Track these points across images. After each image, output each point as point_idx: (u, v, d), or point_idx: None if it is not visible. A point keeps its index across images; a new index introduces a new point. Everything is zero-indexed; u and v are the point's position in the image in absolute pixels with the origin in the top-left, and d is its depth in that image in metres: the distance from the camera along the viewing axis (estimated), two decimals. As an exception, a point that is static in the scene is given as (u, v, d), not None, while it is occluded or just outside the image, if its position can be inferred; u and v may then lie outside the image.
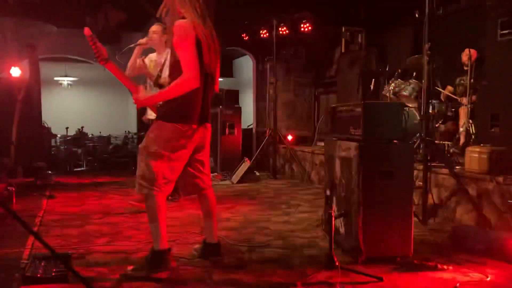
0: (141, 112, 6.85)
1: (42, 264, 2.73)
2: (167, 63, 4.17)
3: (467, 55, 5.15)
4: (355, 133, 3.13)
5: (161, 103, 2.81)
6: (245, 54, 10.04)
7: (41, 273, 2.61)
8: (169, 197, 4.34)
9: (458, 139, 5.12)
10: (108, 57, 2.69)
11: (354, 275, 2.75)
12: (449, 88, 5.75)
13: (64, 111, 12.31)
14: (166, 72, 3.54)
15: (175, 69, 2.68)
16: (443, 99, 5.78)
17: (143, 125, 6.42)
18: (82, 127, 10.45)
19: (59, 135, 10.09)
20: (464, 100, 5.14)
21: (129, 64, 4.49)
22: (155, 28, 4.92)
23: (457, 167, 4.36)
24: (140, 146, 2.78)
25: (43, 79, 8.29)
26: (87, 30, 2.62)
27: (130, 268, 2.79)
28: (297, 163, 7.24)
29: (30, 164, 6.60)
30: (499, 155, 3.91)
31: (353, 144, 3.05)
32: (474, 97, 5.04)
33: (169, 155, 2.71)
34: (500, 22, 4.37)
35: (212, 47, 2.73)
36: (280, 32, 7.70)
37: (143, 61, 4.48)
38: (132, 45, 4.34)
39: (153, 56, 4.82)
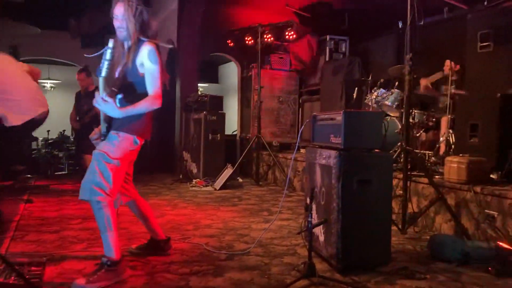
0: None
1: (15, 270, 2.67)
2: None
3: (448, 66, 5.23)
4: (336, 141, 3.14)
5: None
6: (230, 61, 10.05)
7: (14, 279, 2.55)
8: None
9: (439, 149, 5.18)
10: None
11: (333, 283, 2.75)
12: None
13: (46, 114, 12.12)
14: None
15: (128, 89, 2.85)
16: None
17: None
18: (64, 131, 10.34)
19: (40, 138, 9.96)
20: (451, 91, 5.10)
21: None
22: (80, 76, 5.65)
23: (436, 176, 4.41)
24: (96, 151, 2.81)
25: (24, 81, 8.14)
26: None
27: (80, 282, 2.61)
28: (280, 170, 7.24)
29: (9, 167, 6.48)
30: (477, 165, 3.96)
31: (333, 152, 3.06)
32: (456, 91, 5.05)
33: (123, 164, 2.86)
34: (479, 34, 4.46)
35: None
36: (265, 40, 7.73)
37: None
38: None
39: None
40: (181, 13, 8.48)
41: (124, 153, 2.86)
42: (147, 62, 2.81)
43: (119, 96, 2.84)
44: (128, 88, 2.87)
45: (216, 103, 7.57)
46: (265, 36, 7.68)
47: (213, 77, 13.07)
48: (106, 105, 2.70)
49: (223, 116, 7.58)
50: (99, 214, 2.74)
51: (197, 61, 8.73)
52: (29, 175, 7.13)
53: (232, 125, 9.75)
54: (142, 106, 2.80)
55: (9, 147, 4.38)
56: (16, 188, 6.01)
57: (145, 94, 2.83)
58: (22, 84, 4.12)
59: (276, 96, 8.79)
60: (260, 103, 7.56)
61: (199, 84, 9.37)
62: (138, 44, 2.85)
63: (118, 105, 2.75)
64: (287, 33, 7.65)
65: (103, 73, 2.73)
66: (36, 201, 5.34)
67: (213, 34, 8.87)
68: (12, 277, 2.57)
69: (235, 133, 9.70)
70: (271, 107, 8.73)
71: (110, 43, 2.74)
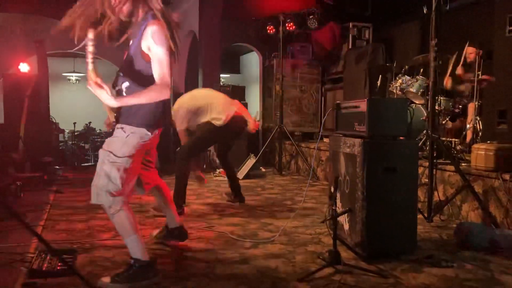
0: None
1: (48, 257, 2.76)
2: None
3: (471, 53, 5.14)
4: (360, 129, 3.12)
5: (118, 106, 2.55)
6: (252, 50, 10.03)
7: (47, 267, 2.64)
8: None
9: (465, 136, 5.09)
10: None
11: (357, 271, 2.75)
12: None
13: (72, 106, 12.39)
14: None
15: (136, 76, 2.53)
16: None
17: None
18: (90, 123, 10.53)
19: (67, 131, 10.18)
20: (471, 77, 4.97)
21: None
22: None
23: (463, 164, 4.34)
24: (102, 151, 2.56)
25: (51, 75, 8.34)
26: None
27: (106, 280, 2.52)
28: (303, 159, 7.23)
29: (38, 159, 6.65)
30: (505, 152, 3.87)
31: (357, 141, 3.04)
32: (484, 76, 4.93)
33: (133, 160, 2.57)
34: (508, 17, 4.33)
35: (174, 53, 2.55)
36: (287, 28, 7.68)
37: None
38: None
39: None
40: (202, 3, 8.50)
41: (134, 149, 2.55)
42: (152, 44, 2.43)
43: (126, 83, 2.54)
44: (136, 74, 2.53)
45: (238, 93, 7.62)
46: (286, 24, 7.64)
47: (234, 67, 13.07)
48: (101, 91, 2.32)
49: (245, 106, 7.60)
50: (114, 220, 2.55)
51: (219, 52, 8.75)
52: (57, 166, 7.30)
53: (254, 114, 9.76)
54: (145, 96, 2.40)
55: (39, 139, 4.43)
56: (45, 179, 6.16)
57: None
58: None
59: (298, 85, 8.74)
60: (282, 92, 7.54)
61: (221, 75, 9.39)
62: (142, 22, 2.50)
63: (124, 94, 2.51)
64: (309, 21, 7.59)
65: (89, 67, 2.38)
66: (65, 192, 5.48)
67: (234, 24, 8.86)
68: (45, 264, 2.66)
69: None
70: (293, 96, 8.69)
71: (90, 34, 2.36)
